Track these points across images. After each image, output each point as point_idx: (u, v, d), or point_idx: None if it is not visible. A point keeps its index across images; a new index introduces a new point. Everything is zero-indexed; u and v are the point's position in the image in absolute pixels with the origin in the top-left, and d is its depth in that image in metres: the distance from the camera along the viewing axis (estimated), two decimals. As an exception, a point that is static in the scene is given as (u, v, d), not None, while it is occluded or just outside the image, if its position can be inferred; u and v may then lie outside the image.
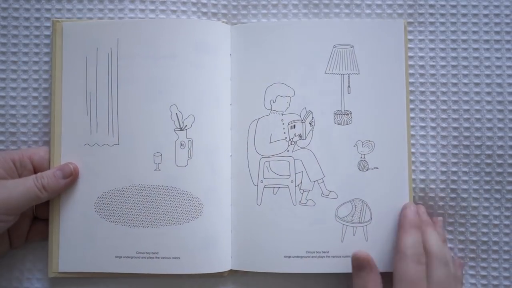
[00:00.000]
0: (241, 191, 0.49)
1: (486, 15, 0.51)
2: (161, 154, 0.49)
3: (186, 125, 0.49)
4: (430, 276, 0.43)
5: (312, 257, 0.48)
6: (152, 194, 0.48)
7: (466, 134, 0.51)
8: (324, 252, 0.48)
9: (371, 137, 0.49)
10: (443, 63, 0.51)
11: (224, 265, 0.49)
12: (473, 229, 0.50)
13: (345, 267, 0.47)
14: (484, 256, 0.50)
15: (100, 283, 0.49)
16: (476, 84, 0.51)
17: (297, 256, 0.48)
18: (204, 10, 0.52)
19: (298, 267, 0.48)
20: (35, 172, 0.48)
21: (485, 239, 0.50)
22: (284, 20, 0.52)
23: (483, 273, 0.50)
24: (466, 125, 0.51)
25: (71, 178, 0.47)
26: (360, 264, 0.45)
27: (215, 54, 0.50)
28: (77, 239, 0.48)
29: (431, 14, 0.51)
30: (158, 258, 0.48)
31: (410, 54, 0.51)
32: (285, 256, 0.48)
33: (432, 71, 0.51)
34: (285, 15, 0.52)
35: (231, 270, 0.49)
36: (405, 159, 0.49)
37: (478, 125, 0.51)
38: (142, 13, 0.51)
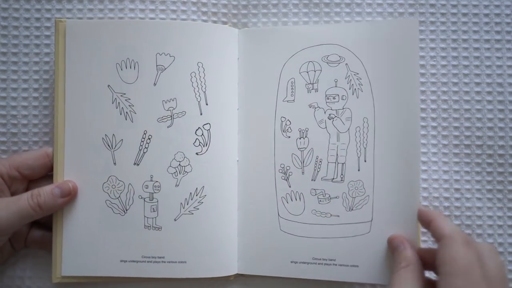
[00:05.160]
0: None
1: (486, 15, 0.51)
2: None
3: None
4: (484, 264, 0.39)
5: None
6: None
7: (467, 133, 0.50)
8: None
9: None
10: (444, 63, 0.51)
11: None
12: (479, 231, 0.50)
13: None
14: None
15: None
16: (477, 84, 0.51)
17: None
18: (204, 9, 0.52)
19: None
20: (27, 183, 0.47)
21: (490, 240, 0.50)
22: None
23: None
24: (467, 124, 0.51)
25: (69, 197, 0.46)
26: (394, 244, 0.44)
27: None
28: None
29: (432, 14, 0.51)
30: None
31: (411, 53, 0.51)
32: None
33: (433, 71, 0.51)
34: (285, 14, 0.52)
35: (237, 274, 0.49)
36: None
37: (479, 124, 0.51)
38: (142, 13, 0.51)
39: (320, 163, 0.48)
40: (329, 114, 0.49)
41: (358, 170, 0.48)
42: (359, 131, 0.48)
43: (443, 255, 0.39)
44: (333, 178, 0.48)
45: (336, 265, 0.47)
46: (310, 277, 0.47)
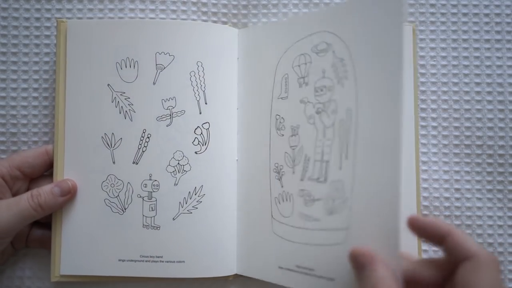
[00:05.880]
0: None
1: (486, 15, 0.51)
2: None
3: None
4: None
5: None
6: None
7: (467, 133, 0.50)
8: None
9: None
10: (444, 63, 0.51)
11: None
12: (479, 231, 0.50)
13: None
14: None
15: None
16: (477, 84, 0.51)
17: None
18: (204, 9, 0.52)
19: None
20: (29, 182, 0.47)
21: (490, 241, 0.50)
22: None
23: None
24: (467, 124, 0.51)
25: (69, 195, 0.46)
26: (360, 262, 0.35)
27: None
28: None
29: (432, 14, 0.51)
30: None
31: (411, 53, 0.51)
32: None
33: (433, 71, 0.51)
34: (285, 14, 0.52)
35: (236, 275, 0.48)
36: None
37: (479, 124, 0.50)
38: (142, 13, 0.51)
39: (308, 161, 0.44)
40: (317, 108, 0.43)
41: (340, 168, 0.41)
42: (343, 124, 0.41)
43: (474, 279, 0.32)
44: (318, 178, 0.43)
45: (315, 276, 0.41)
46: (292, 286, 0.43)
